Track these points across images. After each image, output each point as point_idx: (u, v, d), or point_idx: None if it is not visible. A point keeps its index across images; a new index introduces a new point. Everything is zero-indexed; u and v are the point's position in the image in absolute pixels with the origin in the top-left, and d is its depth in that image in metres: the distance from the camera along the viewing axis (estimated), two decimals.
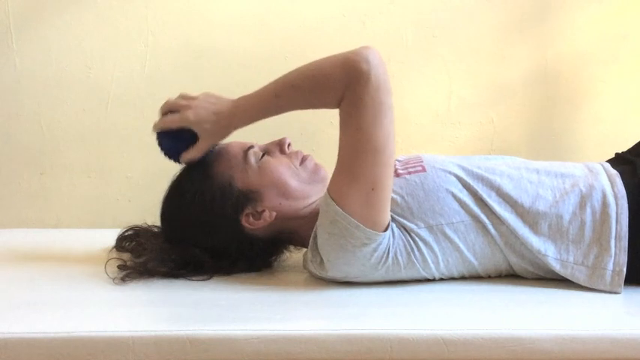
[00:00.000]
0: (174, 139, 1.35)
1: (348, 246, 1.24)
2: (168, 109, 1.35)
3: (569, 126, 2.09)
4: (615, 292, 1.25)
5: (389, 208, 1.25)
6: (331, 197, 1.24)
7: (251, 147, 1.38)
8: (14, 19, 1.93)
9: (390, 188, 1.25)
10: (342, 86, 1.23)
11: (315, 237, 1.29)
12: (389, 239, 1.26)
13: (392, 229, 1.27)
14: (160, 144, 1.37)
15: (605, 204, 1.29)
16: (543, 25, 2.05)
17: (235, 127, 1.33)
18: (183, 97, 1.35)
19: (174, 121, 1.33)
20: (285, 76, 1.28)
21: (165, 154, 1.38)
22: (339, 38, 1.99)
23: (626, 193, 1.29)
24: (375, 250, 1.25)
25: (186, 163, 1.37)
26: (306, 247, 1.34)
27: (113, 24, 1.95)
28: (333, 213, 1.24)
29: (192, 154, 1.34)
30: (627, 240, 1.27)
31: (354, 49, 1.24)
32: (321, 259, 1.29)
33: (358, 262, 1.26)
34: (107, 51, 1.96)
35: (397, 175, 1.35)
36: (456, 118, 2.05)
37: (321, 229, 1.27)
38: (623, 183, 1.31)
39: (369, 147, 1.22)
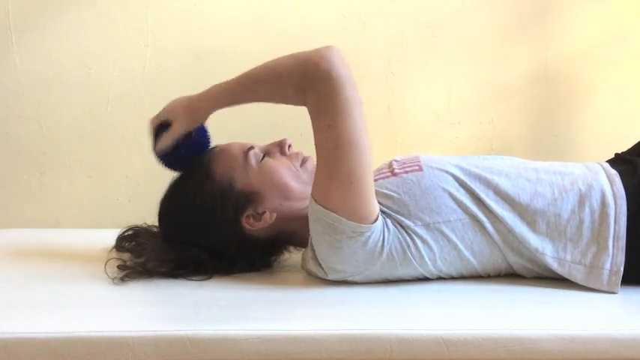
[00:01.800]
0: (172, 154, 1.39)
1: (336, 242, 1.25)
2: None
3: (569, 126, 2.09)
4: (612, 292, 1.25)
5: (373, 201, 1.26)
6: (313, 198, 1.26)
7: (251, 148, 1.39)
8: (14, 19, 1.93)
9: (370, 181, 1.25)
10: (300, 85, 1.25)
11: (312, 239, 1.30)
12: (380, 233, 1.26)
13: (387, 225, 1.27)
14: (166, 164, 1.41)
15: (604, 204, 1.29)
16: (543, 25, 2.05)
17: (204, 111, 1.36)
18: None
19: (153, 121, 1.39)
20: (254, 68, 1.32)
21: (172, 166, 1.42)
22: (339, 38, 1.98)
23: (626, 193, 1.30)
24: (364, 244, 1.25)
25: (160, 151, 1.39)
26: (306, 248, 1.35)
27: (113, 24, 1.95)
28: (316, 212, 1.25)
29: (165, 139, 1.37)
30: (625, 240, 1.27)
31: (315, 49, 1.26)
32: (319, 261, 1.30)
33: (350, 258, 1.26)
34: (107, 51, 1.96)
35: (394, 174, 1.35)
36: (456, 118, 2.05)
37: (312, 231, 1.28)
38: (623, 183, 1.31)
39: (342, 142, 1.23)
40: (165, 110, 1.39)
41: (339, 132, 1.22)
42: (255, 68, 1.32)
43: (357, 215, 1.23)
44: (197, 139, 1.40)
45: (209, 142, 1.43)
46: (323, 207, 1.24)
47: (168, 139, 1.37)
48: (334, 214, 1.23)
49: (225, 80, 1.35)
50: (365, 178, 1.24)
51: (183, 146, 1.38)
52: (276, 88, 1.29)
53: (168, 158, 1.40)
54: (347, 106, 1.23)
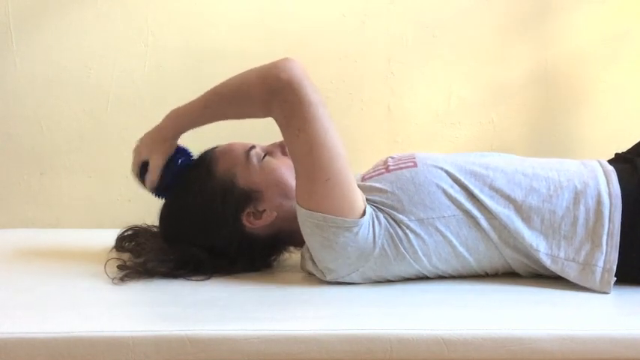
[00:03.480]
0: (163, 186, 1.40)
1: (325, 241, 1.26)
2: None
3: (569, 126, 2.09)
4: (604, 292, 1.25)
5: (355, 196, 1.27)
6: (298, 203, 1.28)
7: (253, 147, 1.39)
8: (14, 19, 1.93)
9: (348, 176, 1.27)
10: (264, 99, 1.28)
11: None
12: (369, 227, 1.27)
13: (377, 219, 1.28)
14: (164, 196, 1.43)
15: (599, 202, 1.29)
16: (543, 25, 2.05)
17: (171, 137, 1.39)
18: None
19: (134, 170, 1.42)
20: (216, 88, 1.35)
21: (162, 195, 1.43)
22: (339, 38, 1.99)
23: (624, 191, 1.29)
24: (353, 239, 1.26)
25: (153, 189, 1.41)
26: None
27: (113, 24, 1.95)
28: (302, 216, 1.27)
29: (150, 177, 1.39)
30: (620, 239, 1.27)
31: (272, 62, 1.29)
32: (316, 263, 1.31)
33: (342, 256, 1.27)
34: (107, 51, 1.96)
35: (388, 170, 1.36)
36: (456, 118, 2.05)
37: (303, 235, 1.30)
38: (622, 182, 1.31)
39: (313, 145, 1.25)
40: (137, 152, 1.41)
41: (309, 135, 1.25)
42: (218, 87, 1.35)
43: (340, 210, 1.25)
44: (178, 162, 1.41)
45: (191, 156, 1.44)
46: (307, 209, 1.26)
47: (152, 176, 1.39)
48: (318, 213, 1.25)
49: (184, 103, 1.38)
50: (341, 174, 1.26)
51: (168, 174, 1.40)
52: (242, 104, 1.33)
53: (162, 192, 1.42)
54: (312, 109, 1.25)
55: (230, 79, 1.34)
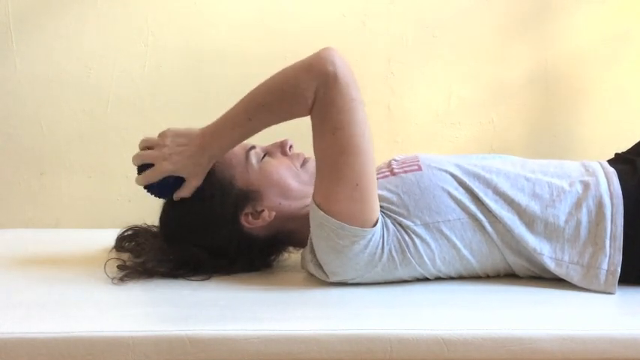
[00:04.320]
0: (159, 185, 1.34)
1: (338, 247, 1.25)
2: (145, 146, 1.35)
3: (569, 126, 2.09)
4: (609, 293, 1.25)
5: (376, 204, 1.25)
6: (316, 203, 1.25)
7: (252, 147, 1.39)
8: (14, 19, 1.93)
9: (374, 183, 1.25)
10: (311, 93, 1.23)
11: (312, 243, 1.30)
12: (380, 235, 1.26)
13: (385, 225, 1.27)
14: (150, 192, 1.37)
15: (600, 204, 1.29)
16: (543, 25, 2.05)
17: (215, 159, 1.32)
18: (147, 142, 1.34)
19: (154, 176, 1.32)
20: (253, 96, 1.28)
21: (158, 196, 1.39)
22: (339, 38, 1.99)
23: (625, 193, 1.29)
24: (365, 247, 1.25)
25: (145, 184, 1.35)
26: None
27: (113, 24, 1.95)
28: (319, 218, 1.25)
29: (184, 192, 1.33)
30: (622, 240, 1.27)
31: (314, 53, 1.25)
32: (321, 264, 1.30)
33: (351, 262, 1.26)
34: (107, 51, 1.96)
35: (393, 173, 1.35)
36: (456, 118, 2.05)
37: (313, 235, 1.28)
38: (623, 183, 1.31)
39: (348, 146, 1.22)
40: (167, 168, 1.31)
41: (345, 136, 1.22)
42: (255, 96, 1.27)
43: (361, 220, 1.23)
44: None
45: None
46: (325, 212, 1.24)
47: (187, 192, 1.34)
48: (337, 219, 1.23)
49: (218, 121, 1.30)
50: (369, 181, 1.24)
51: (168, 188, 1.35)
52: (288, 106, 1.26)
53: (153, 191, 1.38)
54: (352, 107, 1.23)
55: (264, 83, 1.27)
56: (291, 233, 1.38)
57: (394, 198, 1.30)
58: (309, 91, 1.23)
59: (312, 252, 1.30)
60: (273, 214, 1.35)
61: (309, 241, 1.31)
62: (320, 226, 1.25)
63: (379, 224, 1.26)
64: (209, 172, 1.35)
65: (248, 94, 1.29)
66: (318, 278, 1.32)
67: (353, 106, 1.23)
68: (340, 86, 1.22)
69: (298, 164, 1.40)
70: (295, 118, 1.29)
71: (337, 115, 1.22)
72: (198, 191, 1.34)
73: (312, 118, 1.26)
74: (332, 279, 1.30)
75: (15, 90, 1.95)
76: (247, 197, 1.35)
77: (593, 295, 1.25)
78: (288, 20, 1.98)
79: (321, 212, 1.24)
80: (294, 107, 1.27)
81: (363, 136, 1.23)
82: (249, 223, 1.35)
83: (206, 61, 1.96)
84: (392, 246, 1.27)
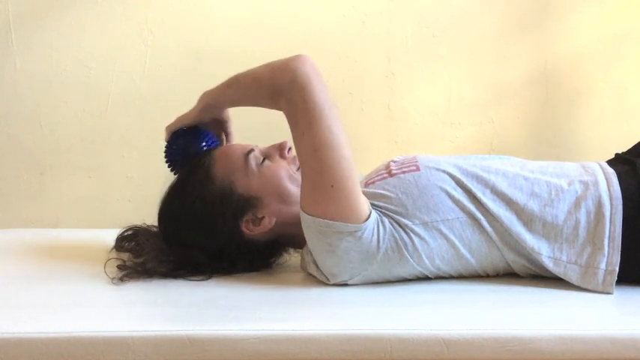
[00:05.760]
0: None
1: (328, 247, 1.26)
2: None
3: (569, 126, 2.09)
4: (607, 293, 1.25)
5: (359, 200, 1.26)
6: (302, 208, 1.27)
7: (252, 150, 1.39)
8: (14, 19, 1.93)
9: (353, 180, 1.26)
10: (272, 96, 1.30)
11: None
12: (374, 232, 1.26)
13: (382, 224, 1.27)
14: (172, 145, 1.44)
15: (600, 204, 1.29)
16: (543, 25, 2.05)
17: (207, 101, 1.42)
18: None
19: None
20: (239, 74, 1.37)
21: (171, 158, 1.44)
22: (339, 38, 1.99)
23: (625, 193, 1.29)
24: (356, 243, 1.25)
25: (170, 130, 1.44)
26: None
27: (113, 24, 1.95)
28: (306, 221, 1.27)
29: (170, 125, 1.44)
30: (621, 240, 1.27)
31: (286, 58, 1.30)
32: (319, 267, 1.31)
33: (344, 260, 1.27)
34: (107, 51, 1.96)
35: (391, 175, 1.36)
36: (456, 118, 2.05)
37: (306, 239, 1.29)
38: (623, 183, 1.31)
39: (317, 147, 1.25)
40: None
41: (312, 137, 1.25)
42: (241, 74, 1.37)
43: (344, 215, 1.24)
44: (202, 143, 1.43)
45: (202, 148, 1.43)
46: (310, 215, 1.25)
47: (172, 125, 1.44)
48: (322, 219, 1.24)
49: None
50: (346, 178, 1.25)
51: (187, 146, 1.42)
52: (254, 94, 1.35)
53: (171, 157, 1.44)
54: (317, 110, 1.25)
55: (250, 70, 1.36)
56: (291, 237, 1.38)
57: (392, 198, 1.30)
58: (268, 95, 1.32)
59: (311, 253, 1.31)
60: (274, 220, 1.36)
61: (307, 244, 1.32)
62: (308, 229, 1.27)
63: (371, 222, 1.26)
64: (209, 177, 1.35)
65: (241, 72, 1.37)
66: (318, 278, 1.32)
67: (317, 109, 1.25)
68: (301, 91, 1.26)
69: (294, 167, 1.40)
70: (264, 107, 1.37)
71: (303, 119, 1.26)
72: (199, 197, 1.34)
73: (287, 120, 1.30)
74: (332, 281, 1.30)
75: (15, 90, 1.95)
76: (248, 204, 1.35)
77: (592, 295, 1.25)
78: (288, 20, 1.98)
79: (307, 215, 1.26)
80: (256, 98, 1.36)
81: (331, 136, 1.25)
82: (249, 230, 1.35)
83: (206, 61, 1.96)
84: (388, 244, 1.27)
